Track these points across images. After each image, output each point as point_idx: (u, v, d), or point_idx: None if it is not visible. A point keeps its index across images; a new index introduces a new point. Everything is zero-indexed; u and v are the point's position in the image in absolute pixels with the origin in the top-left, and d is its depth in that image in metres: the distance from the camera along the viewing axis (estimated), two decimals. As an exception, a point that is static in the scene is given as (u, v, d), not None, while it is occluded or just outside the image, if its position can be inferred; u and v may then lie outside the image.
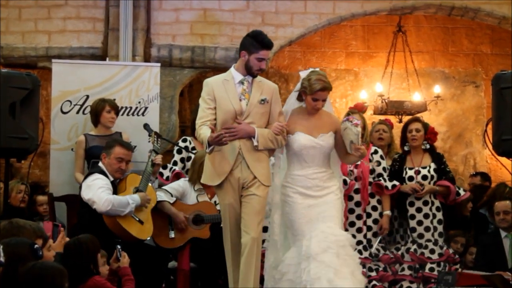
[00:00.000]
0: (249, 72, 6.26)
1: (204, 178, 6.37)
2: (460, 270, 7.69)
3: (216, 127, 6.15)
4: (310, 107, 6.39)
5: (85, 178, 7.13)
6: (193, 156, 7.77)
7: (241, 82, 6.28)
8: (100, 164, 7.20)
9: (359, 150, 6.23)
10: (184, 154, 7.99)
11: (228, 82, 6.28)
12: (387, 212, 7.97)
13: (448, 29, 11.64)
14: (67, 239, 5.87)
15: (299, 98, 6.50)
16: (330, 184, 6.38)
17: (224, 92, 6.23)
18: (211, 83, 6.31)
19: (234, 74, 6.32)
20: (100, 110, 7.85)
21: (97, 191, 6.91)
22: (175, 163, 7.99)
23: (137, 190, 7.11)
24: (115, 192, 7.07)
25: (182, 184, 7.61)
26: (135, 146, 7.74)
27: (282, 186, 6.44)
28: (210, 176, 6.26)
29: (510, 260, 7.73)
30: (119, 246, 6.08)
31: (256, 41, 6.23)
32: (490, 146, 6.83)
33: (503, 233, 7.93)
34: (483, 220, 9.08)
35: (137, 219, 7.03)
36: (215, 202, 7.50)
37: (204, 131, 6.07)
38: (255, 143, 6.15)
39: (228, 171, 6.14)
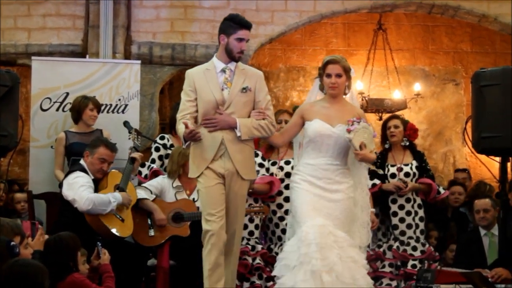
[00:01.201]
0: (230, 56, 6.10)
1: (190, 173, 6.23)
2: (439, 267, 7.71)
3: (197, 119, 6.07)
4: (327, 87, 6.31)
5: (66, 176, 7.10)
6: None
7: (223, 71, 6.13)
8: (82, 161, 7.17)
9: (358, 155, 6.14)
10: (162, 151, 7.94)
11: (210, 71, 6.14)
12: (372, 210, 7.96)
13: (428, 27, 11.67)
14: (47, 236, 5.85)
15: (321, 87, 6.41)
16: (342, 180, 6.21)
17: (205, 82, 6.09)
18: (192, 74, 6.18)
19: (216, 63, 6.17)
20: (83, 107, 7.82)
21: (78, 189, 6.88)
22: (153, 161, 7.96)
23: (118, 188, 7.10)
24: (96, 189, 7.05)
25: (160, 181, 7.60)
26: (114, 144, 7.72)
27: (292, 174, 6.34)
28: (194, 167, 6.13)
29: (489, 257, 7.75)
30: (99, 244, 6.08)
31: (234, 22, 6.10)
32: (470, 144, 6.86)
33: (482, 231, 7.92)
34: (463, 218, 9.11)
35: (118, 216, 7.02)
36: (193, 199, 7.50)
37: (181, 126, 5.95)
38: (238, 134, 6.02)
39: (210, 159, 6.02)
